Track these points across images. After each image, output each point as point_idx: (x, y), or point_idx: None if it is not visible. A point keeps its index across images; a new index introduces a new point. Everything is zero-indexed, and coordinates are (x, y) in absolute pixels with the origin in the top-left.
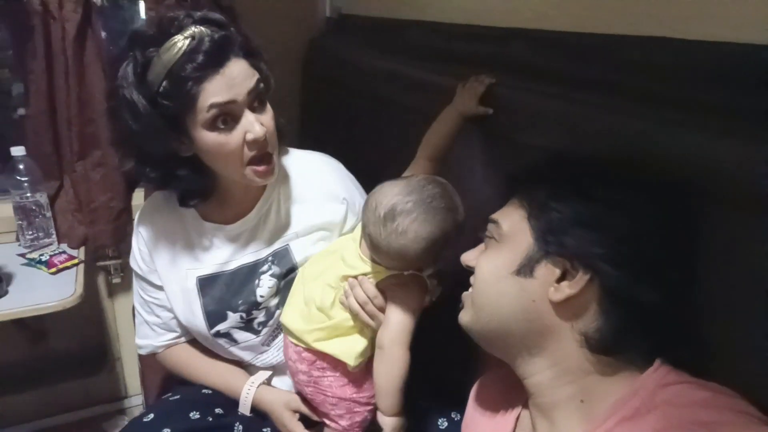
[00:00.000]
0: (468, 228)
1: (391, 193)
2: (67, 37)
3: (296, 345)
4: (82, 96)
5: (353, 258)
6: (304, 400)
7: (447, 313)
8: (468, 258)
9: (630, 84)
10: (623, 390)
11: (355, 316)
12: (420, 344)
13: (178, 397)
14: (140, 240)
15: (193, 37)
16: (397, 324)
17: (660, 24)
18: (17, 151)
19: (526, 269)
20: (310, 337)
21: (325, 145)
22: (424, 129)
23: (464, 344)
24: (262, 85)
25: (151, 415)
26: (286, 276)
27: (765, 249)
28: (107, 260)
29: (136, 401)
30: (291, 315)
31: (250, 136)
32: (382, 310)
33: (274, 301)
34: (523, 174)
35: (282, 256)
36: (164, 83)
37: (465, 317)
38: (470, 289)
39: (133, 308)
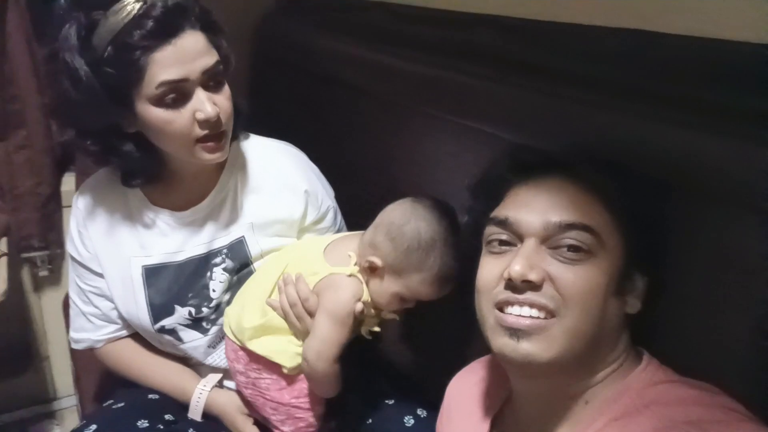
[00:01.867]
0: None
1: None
2: None
3: (233, 342)
4: (4, 71)
5: (315, 259)
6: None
7: (414, 312)
8: (526, 270)
9: (612, 78)
10: (612, 389)
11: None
12: (384, 341)
13: (122, 404)
14: (79, 222)
15: (144, 1)
16: (323, 335)
17: (643, 17)
18: None
19: (621, 285)
20: (245, 335)
21: (275, 131)
22: (381, 114)
23: (430, 341)
24: (221, 66)
25: (94, 426)
26: (239, 271)
27: (761, 248)
28: (33, 251)
29: (66, 403)
30: (234, 308)
31: (200, 116)
32: (313, 314)
33: (226, 298)
34: (578, 159)
35: (237, 249)
36: (109, 49)
37: (550, 351)
38: (538, 313)
39: (63, 303)
